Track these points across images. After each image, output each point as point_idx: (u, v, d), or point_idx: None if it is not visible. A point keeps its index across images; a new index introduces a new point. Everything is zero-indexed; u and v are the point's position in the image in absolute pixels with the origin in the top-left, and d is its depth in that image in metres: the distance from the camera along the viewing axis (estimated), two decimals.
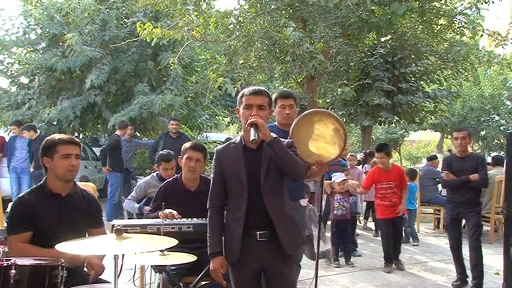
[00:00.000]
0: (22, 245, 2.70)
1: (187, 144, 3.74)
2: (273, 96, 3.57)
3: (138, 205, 4.40)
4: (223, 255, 2.66)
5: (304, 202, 3.56)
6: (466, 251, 5.18)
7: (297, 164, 2.62)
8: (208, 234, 2.70)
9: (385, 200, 5.74)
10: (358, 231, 7.55)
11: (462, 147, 5.14)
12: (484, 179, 5.06)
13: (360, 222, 8.65)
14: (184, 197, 3.53)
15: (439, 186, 9.32)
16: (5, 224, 4.90)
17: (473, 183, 5.02)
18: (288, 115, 3.48)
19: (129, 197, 4.60)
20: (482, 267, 4.96)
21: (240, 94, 2.75)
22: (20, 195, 2.91)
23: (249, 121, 2.57)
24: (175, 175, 3.82)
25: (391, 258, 5.81)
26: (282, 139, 2.76)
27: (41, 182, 2.93)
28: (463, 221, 5.37)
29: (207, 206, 2.75)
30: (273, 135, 2.59)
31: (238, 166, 2.63)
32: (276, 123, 3.63)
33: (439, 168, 8.55)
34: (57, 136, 2.93)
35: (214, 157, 2.78)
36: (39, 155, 2.91)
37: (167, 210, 3.30)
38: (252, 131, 2.53)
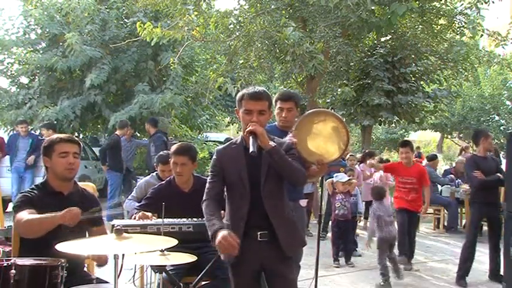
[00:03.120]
0: (24, 213, 2.67)
1: (172, 148, 3.63)
2: (275, 96, 3.56)
3: (138, 205, 4.39)
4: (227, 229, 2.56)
5: (303, 202, 3.57)
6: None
7: (297, 171, 2.61)
8: (206, 221, 2.62)
9: (401, 194, 5.78)
10: (358, 231, 7.54)
11: (488, 148, 5.43)
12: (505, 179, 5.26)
13: (360, 222, 8.64)
14: (178, 198, 3.49)
15: (439, 186, 9.34)
16: (5, 224, 4.91)
17: (500, 182, 5.17)
18: (285, 118, 3.45)
19: (130, 197, 4.59)
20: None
21: (239, 95, 2.73)
22: (23, 191, 2.92)
23: (248, 129, 2.56)
24: (169, 177, 3.79)
25: (405, 248, 5.76)
26: (281, 140, 2.77)
27: (43, 180, 2.94)
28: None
29: (202, 200, 2.71)
30: (272, 143, 2.58)
31: (240, 167, 2.63)
32: (276, 123, 3.62)
33: (441, 168, 8.53)
34: (56, 135, 2.95)
35: (214, 157, 2.77)
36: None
37: (141, 213, 3.31)
38: (251, 140, 2.53)
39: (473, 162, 5.41)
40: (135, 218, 3.35)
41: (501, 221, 5.33)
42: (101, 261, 2.79)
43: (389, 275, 5.14)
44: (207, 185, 2.74)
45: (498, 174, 5.20)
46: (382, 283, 5.10)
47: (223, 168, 2.69)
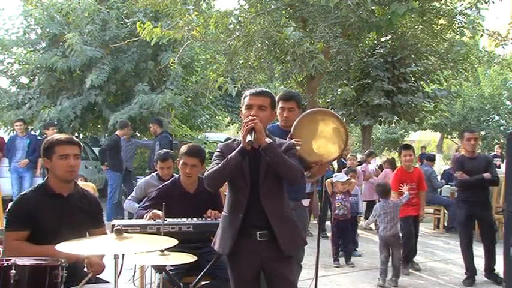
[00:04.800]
0: (17, 243, 2.69)
1: (183, 149, 3.64)
2: (277, 97, 3.56)
3: (138, 205, 4.39)
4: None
5: (306, 202, 3.56)
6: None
7: (292, 169, 2.59)
8: (223, 165, 2.57)
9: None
10: (358, 231, 7.54)
11: (474, 148, 5.36)
12: (497, 178, 5.24)
13: (360, 222, 8.64)
14: (183, 199, 3.50)
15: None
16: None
17: (486, 182, 5.17)
18: (287, 118, 3.43)
19: (130, 197, 4.59)
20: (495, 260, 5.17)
21: (243, 95, 2.77)
22: (22, 193, 2.90)
23: (245, 125, 2.54)
24: (174, 176, 3.79)
25: (412, 258, 5.81)
26: (283, 140, 2.78)
27: (43, 181, 2.93)
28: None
29: (204, 175, 2.69)
30: (268, 140, 2.57)
31: (242, 162, 2.61)
32: (278, 123, 3.62)
33: (441, 168, 8.50)
34: (56, 136, 2.91)
35: (217, 150, 2.76)
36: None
37: (154, 211, 3.30)
38: (250, 131, 2.52)
39: (458, 163, 5.52)
40: (146, 218, 3.34)
41: (492, 221, 5.32)
42: (96, 268, 2.77)
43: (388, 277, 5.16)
44: (210, 167, 2.69)
45: (487, 173, 5.17)
46: (379, 282, 5.13)
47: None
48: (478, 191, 5.23)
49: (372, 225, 8.49)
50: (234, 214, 2.66)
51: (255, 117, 2.56)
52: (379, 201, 5.55)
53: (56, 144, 2.82)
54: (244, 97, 2.74)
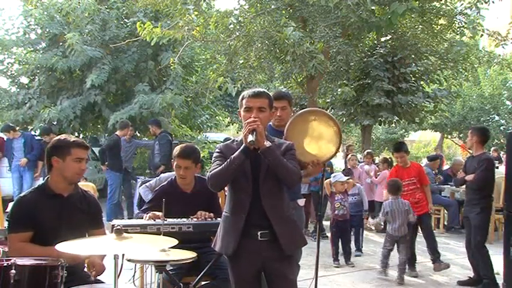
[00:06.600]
0: (21, 244, 2.70)
1: (176, 151, 3.63)
2: None
3: (143, 208, 4.36)
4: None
5: (301, 202, 3.57)
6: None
7: (290, 172, 2.60)
8: (226, 165, 2.58)
9: (408, 198, 5.62)
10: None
11: (469, 145, 5.36)
12: (477, 180, 5.04)
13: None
14: (181, 199, 3.50)
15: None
16: (6, 224, 4.91)
17: (468, 183, 5.16)
18: (280, 117, 3.43)
19: (148, 184, 4.57)
20: (487, 271, 4.98)
21: (240, 96, 2.77)
22: (21, 195, 2.92)
23: (247, 125, 2.55)
24: (170, 178, 3.79)
25: (415, 261, 5.74)
26: (282, 140, 2.79)
27: (43, 181, 2.93)
28: None
29: (207, 176, 2.69)
30: (268, 143, 2.59)
31: (245, 161, 2.61)
32: (271, 123, 3.62)
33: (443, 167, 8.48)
34: (70, 138, 2.93)
35: (216, 150, 2.77)
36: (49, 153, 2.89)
37: (153, 212, 3.31)
38: (251, 132, 2.53)
39: (465, 162, 5.62)
40: (145, 218, 3.34)
41: (477, 225, 5.04)
42: (98, 269, 2.77)
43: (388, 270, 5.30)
44: (211, 167, 2.69)
45: (469, 175, 5.11)
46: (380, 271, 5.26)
47: (227, 159, 2.65)
48: (469, 191, 5.23)
49: (372, 225, 8.47)
50: (236, 214, 2.66)
51: (257, 119, 2.58)
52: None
53: (72, 146, 2.85)
54: (242, 99, 2.73)
